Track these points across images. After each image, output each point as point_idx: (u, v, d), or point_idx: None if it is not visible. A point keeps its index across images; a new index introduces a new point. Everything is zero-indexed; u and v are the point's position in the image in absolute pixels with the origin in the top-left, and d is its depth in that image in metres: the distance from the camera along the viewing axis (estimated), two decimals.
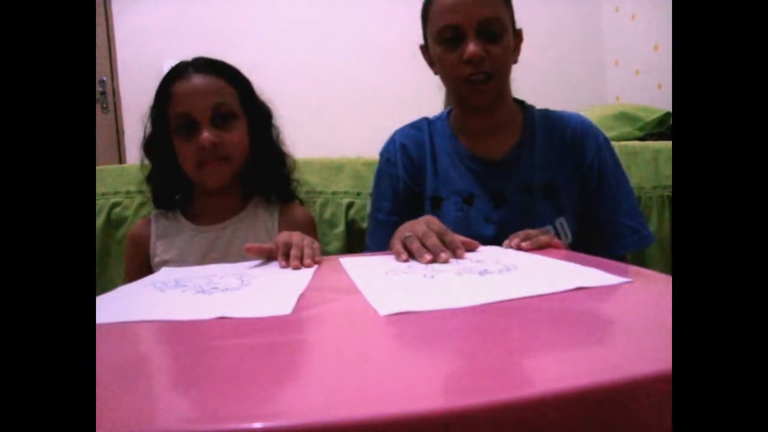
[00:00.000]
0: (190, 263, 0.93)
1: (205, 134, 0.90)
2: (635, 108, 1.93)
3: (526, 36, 0.96)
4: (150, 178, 1.01)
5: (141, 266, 0.97)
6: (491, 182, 0.96)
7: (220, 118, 0.92)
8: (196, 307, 0.48)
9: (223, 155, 0.92)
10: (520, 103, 1.03)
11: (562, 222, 0.95)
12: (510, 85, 0.99)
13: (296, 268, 0.69)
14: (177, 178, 0.97)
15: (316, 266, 0.71)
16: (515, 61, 0.97)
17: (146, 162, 1.01)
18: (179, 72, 0.95)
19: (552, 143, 0.98)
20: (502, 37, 0.90)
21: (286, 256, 0.73)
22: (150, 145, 0.99)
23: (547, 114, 1.01)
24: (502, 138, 0.98)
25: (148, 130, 0.99)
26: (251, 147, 0.97)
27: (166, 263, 0.94)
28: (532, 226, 0.93)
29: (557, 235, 0.94)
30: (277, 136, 1.03)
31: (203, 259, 0.94)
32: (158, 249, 0.97)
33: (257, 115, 0.99)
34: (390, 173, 1.02)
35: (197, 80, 0.93)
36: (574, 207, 0.96)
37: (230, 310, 0.44)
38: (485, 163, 0.97)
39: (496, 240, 0.88)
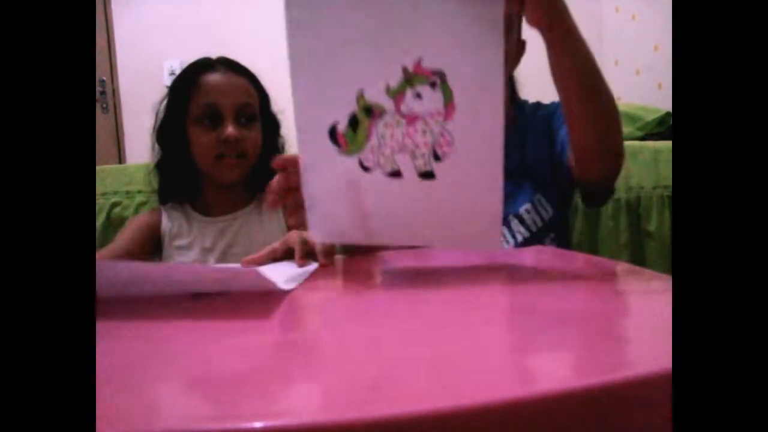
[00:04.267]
0: (202, 250, 0.97)
1: (230, 129, 0.94)
2: (635, 108, 1.92)
3: (526, 36, 0.97)
4: (159, 167, 1.02)
5: (142, 236, 0.99)
6: None
7: (244, 117, 0.96)
8: (193, 279, 0.50)
9: (242, 152, 0.96)
10: (514, 102, 1.04)
11: (540, 198, 0.95)
12: (509, 90, 1.01)
13: (323, 265, 0.69)
14: (187, 168, 0.99)
15: (316, 265, 0.70)
16: (513, 69, 0.98)
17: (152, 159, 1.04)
18: (209, 65, 0.98)
19: (531, 126, 0.99)
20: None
21: (307, 255, 0.73)
22: (162, 133, 1.01)
23: (538, 104, 1.03)
24: None
25: (160, 117, 1.01)
26: (261, 150, 1.00)
27: (181, 249, 0.98)
28: (509, 203, 0.95)
29: (536, 211, 0.95)
30: (283, 145, 1.08)
31: (213, 248, 0.96)
32: (173, 233, 1.00)
33: (269, 123, 1.04)
34: None
35: (228, 77, 0.98)
36: (553, 179, 0.96)
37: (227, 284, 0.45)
38: None
39: None
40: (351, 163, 0.61)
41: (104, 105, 2.76)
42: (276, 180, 0.66)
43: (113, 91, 2.77)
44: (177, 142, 0.98)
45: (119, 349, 0.38)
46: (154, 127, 1.02)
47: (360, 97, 0.59)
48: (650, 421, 0.26)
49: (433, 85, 0.58)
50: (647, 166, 1.30)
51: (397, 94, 0.58)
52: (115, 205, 1.26)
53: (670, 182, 1.29)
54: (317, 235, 0.65)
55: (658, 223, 1.26)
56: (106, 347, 0.37)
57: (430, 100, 0.58)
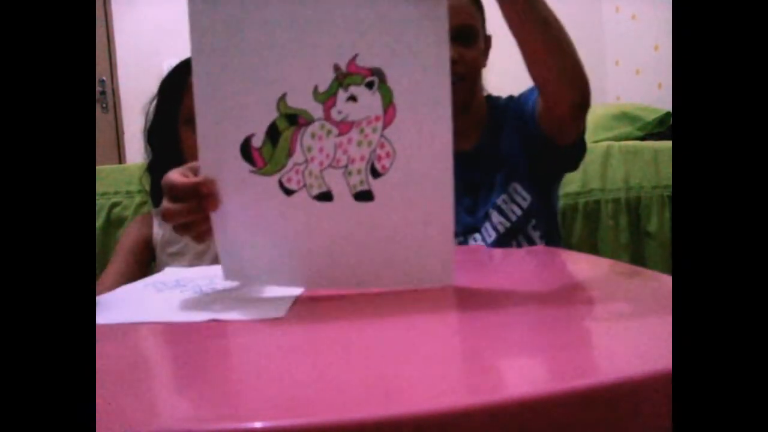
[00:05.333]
0: (195, 255, 0.95)
1: None
2: (635, 108, 1.93)
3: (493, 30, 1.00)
4: (150, 169, 1.02)
5: (135, 255, 0.99)
6: (462, 173, 0.99)
7: None
8: (189, 309, 0.48)
9: None
10: (487, 97, 1.06)
11: (515, 186, 0.96)
12: (482, 86, 1.04)
13: None
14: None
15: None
16: (484, 65, 1.03)
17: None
18: None
19: (505, 119, 1.00)
20: (475, 42, 0.96)
21: None
22: (153, 134, 1.00)
23: (510, 97, 1.04)
24: (473, 132, 1.01)
25: (151, 118, 1.00)
26: None
27: (173, 255, 0.96)
28: (487, 198, 0.96)
29: (512, 200, 0.95)
30: None
31: (206, 252, 0.96)
32: (165, 241, 0.99)
33: None
34: None
35: None
36: (529, 165, 0.97)
37: (222, 314, 0.44)
38: (457, 156, 1.00)
39: None
40: (269, 185, 0.49)
41: (104, 105, 2.77)
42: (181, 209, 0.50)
43: (113, 91, 2.77)
44: (168, 142, 0.97)
45: (119, 350, 0.38)
46: (145, 128, 1.02)
47: (281, 102, 0.48)
48: (650, 421, 0.26)
49: (370, 85, 0.48)
50: (647, 166, 1.30)
51: (327, 98, 0.48)
52: (115, 205, 1.26)
53: (670, 182, 1.29)
54: (232, 277, 0.54)
55: (658, 223, 1.26)
56: (106, 348, 0.37)
57: (367, 103, 0.48)
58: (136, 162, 1.10)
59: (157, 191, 1.03)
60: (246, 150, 0.49)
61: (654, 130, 1.83)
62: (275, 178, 0.49)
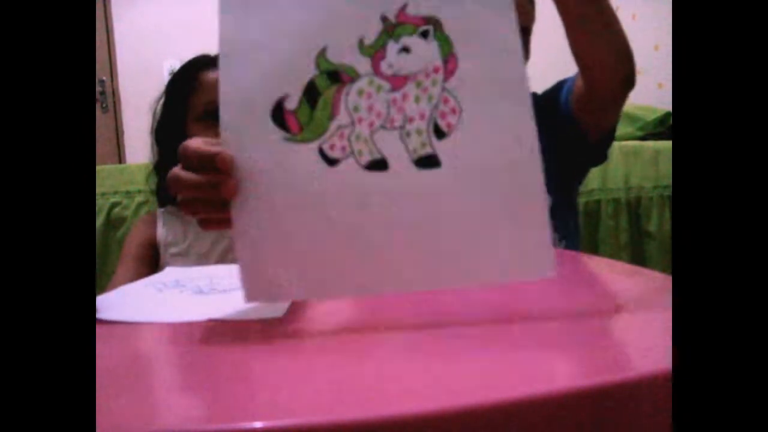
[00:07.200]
0: (199, 256, 0.95)
1: None
2: (635, 108, 1.92)
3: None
4: (157, 168, 1.02)
5: (142, 258, 0.98)
6: None
7: None
8: (189, 309, 0.48)
9: None
10: None
11: None
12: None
13: None
14: None
15: None
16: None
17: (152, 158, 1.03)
18: (209, 63, 0.97)
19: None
20: (527, 44, 0.95)
21: None
22: (161, 133, 1.00)
23: (534, 94, 1.03)
24: None
25: (158, 116, 1.00)
26: None
27: (176, 256, 0.96)
28: None
29: None
30: None
31: (209, 254, 0.96)
32: (168, 241, 0.99)
33: None
34: None
35: None
36: (557, 164, 0.96)
37: (222, 314, 0.44)
38: None
39: None
40: (307, 154, 0.40)
41: (104, 105, 2.76)
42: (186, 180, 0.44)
43: (113, 91, 2.77)
44: (176, 141, 0.97)
45: (119, 350, 0.38)
46: (152, 127, 1.02)
47: (320, 57, 0.41)
48: (650, 421, 0.26)
49: (424, 34, 0.41)
50: (647, 166, 1.31)
51: (375, 51, 0.41)
52: (115, 205, 1.26)
53: (670, 182, 1.29)
54: (256, 298, 0.42)
55: (658, 223, 1.26)
56: (106, 348, 0.37)
57: (423, 53, 0.41)
58: (136, 162, 1.11)
59: (162, 191, 1.03)
60: (278, 114, 0.41)
61: (654, 130, 1.83)
62: (314, 145, 0.40)
